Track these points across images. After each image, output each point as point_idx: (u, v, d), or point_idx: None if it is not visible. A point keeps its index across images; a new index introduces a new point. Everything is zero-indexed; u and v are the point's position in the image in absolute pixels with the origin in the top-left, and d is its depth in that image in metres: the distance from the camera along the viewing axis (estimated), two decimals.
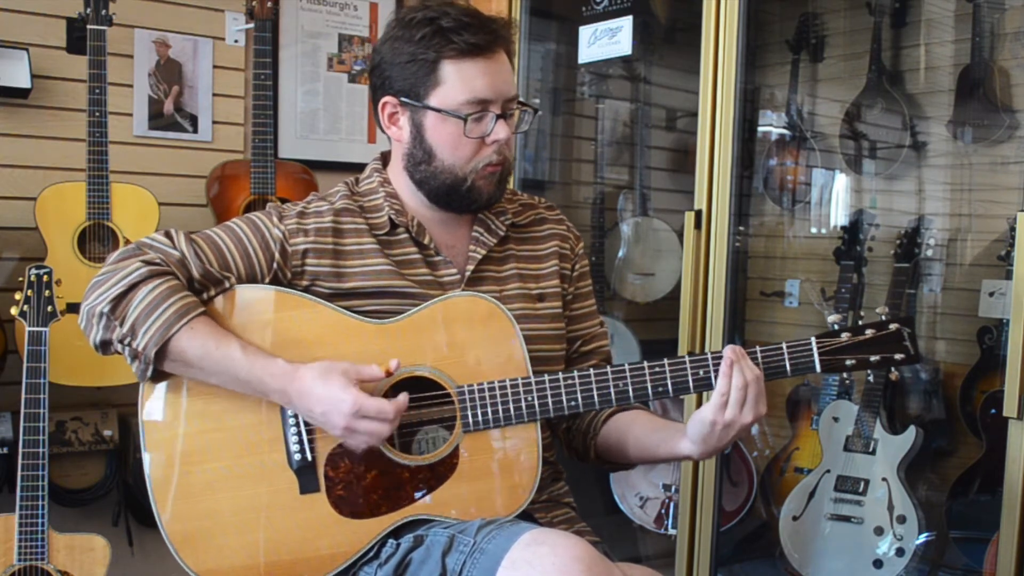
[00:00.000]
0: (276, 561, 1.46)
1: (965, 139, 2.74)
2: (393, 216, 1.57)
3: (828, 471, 2.56)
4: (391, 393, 1.48)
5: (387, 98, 1.56)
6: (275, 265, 1.52)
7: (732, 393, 1.41)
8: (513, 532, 1.32)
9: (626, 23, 2.79)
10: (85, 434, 2.79)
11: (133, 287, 1.42)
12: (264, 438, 1.47)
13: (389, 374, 1.44)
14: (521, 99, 1.57)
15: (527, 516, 1.51)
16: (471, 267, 1.59)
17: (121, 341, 1.43)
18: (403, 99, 1.54)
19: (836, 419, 2.58)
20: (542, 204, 1.72)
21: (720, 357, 1.45)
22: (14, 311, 2.27)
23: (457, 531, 1.39)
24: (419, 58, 1.49)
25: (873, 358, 1.47)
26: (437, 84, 1.50)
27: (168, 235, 1.50)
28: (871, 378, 2.51)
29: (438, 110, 1.50)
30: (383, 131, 1.60)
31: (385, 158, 1.66)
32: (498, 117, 1.51)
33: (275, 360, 1.43)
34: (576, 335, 1.70)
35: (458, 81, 1.49)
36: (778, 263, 3.22)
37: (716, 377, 1.45)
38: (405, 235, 1.57)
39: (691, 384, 1.46)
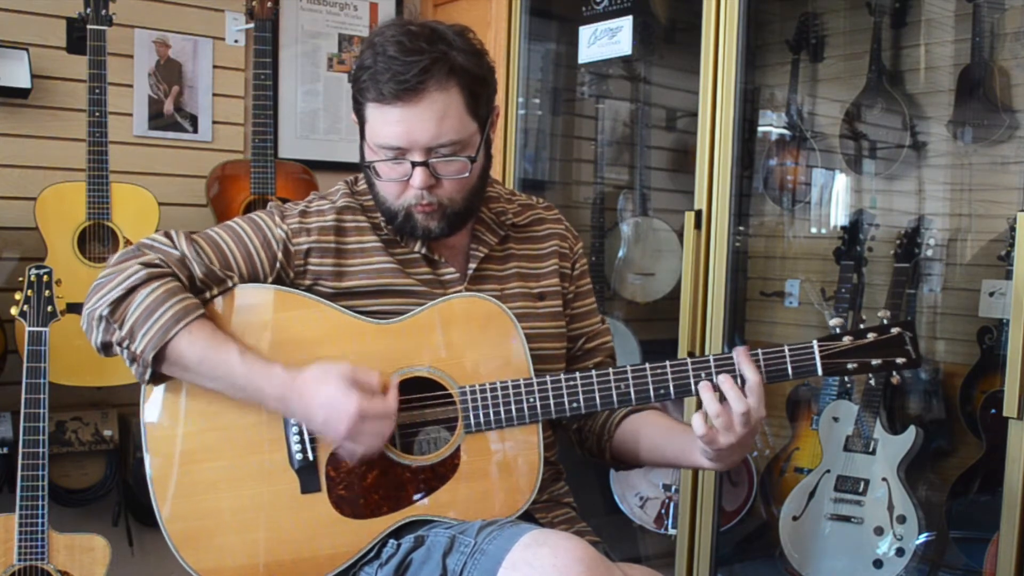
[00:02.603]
0: (277, 561, 1.46)
1: (965, 139, 2.74)
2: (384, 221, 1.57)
3: (828, 471, 2.56)
4: None
5: (353, 114, 1.56)
6: (277, 265, 1.52)
7: (734, 417, 1.42)
8: (514, 533, 1.32)
9: (626, 23, 2.79)
10: (85, 434, 2.79)
11: (132, 290, 1.42)
12: (265, 437, 1.47)
13: (385, 388, 1.42)
14: (452, 140, 1.45)
15: (527, 516, 1.51)
16: (473, 265, 1.59)
17: (120, 344, 1.43)
18: (357, 121, 1.54)
19: (836, 419, 2.59)
20: (540, 204, 1.72)
21: (722, 359, 1.46)
22: (14, 311, 2.27)
23: (458, 532, 1.39)
24: (356, 89, 1.48)
25: (875, 362, 1.47)
26: (365, 120, 1.48)
27: (168, 235, 1.50)
28: (871, 379, 2.51)
29: (364, 146, 1.51)
30: None
31: None
32: (418, 164, 1.45)
33: (273, 367, 1.43)
34: (579, 333, 1.70)
35: (374, 125, 1.46)
36: (778, 263, 3.22)
37: (718, 380, 1.45)
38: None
39: (693, 386, 1.46)
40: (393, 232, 1.56)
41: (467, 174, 1.49)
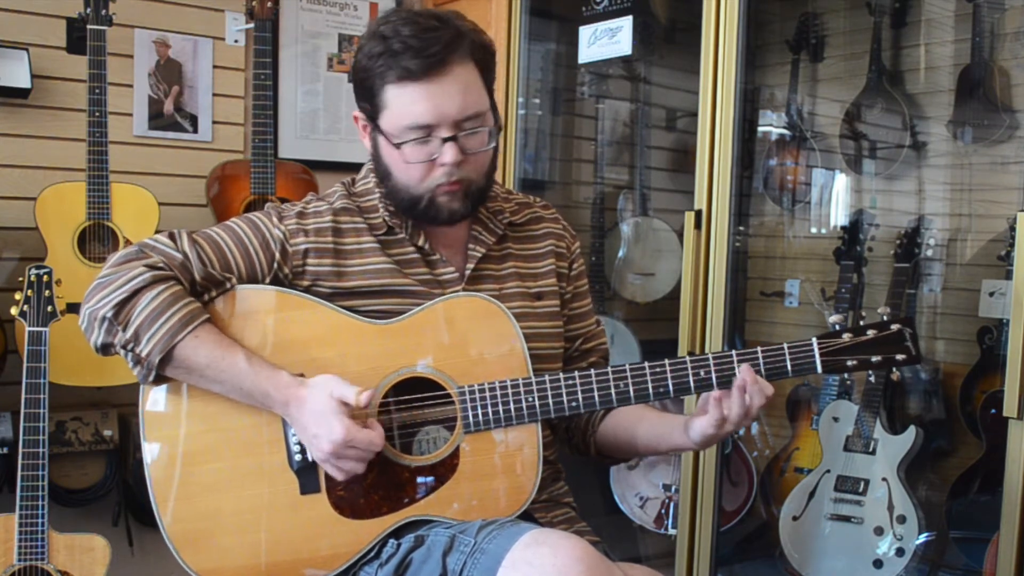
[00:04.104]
0: (276, 561, 1.46)
1: (965, 139, 2.74)
2: (387, 218, 1.57)
3: (828, 471, 2.56)
4: (392, 394, 1.48)
5: (356, 111, 1.56)
6: (275, 265, 1.52)
7: (732, 417, 1.44)
8: (514, 532, 1.32)
9: (626, 23, 2.79)
10: (85, 434, 2.79)
11: (137, 292, 1.42)
12: (264, 439, 1.47)
13: (363, 408, 1.41)
14: (490, 111, 1.50)
15: (527, 516, 1.51)
16: (471, 265, 1.59)
17: (124, 346, 1.43)
18: (365, 115, 1.53)
19: (836, 419, 2.59)
20: (538, 203, 1.72)
21: (721, 357, 1.46)
22: (14, 311, 2.27)
23: (458, 531, 1.40)
24: (370, 78, 1.48)
25: (874, 359, 1.47)
26: (383, 107, 1.48)
27: (172, 236, 1.50)
28: (871, 378, 2.51)
29: (385, 133, 1.49)
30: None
31: None
32: (448, 139, 1.46)
33: (280, 372, 1.44)
34: (577, 333, 1.70)
35: (399, 107, 1.46)
36: (778, 263, 3.22)
37: (716, 379, 1.46)
38: (403, 235, 1.57)
39: (692, 385, 1.47)
40: (411, 222, 1.56)
41: (492, 145, 1.51)
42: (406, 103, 1.45)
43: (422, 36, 1.43)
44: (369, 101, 1.50)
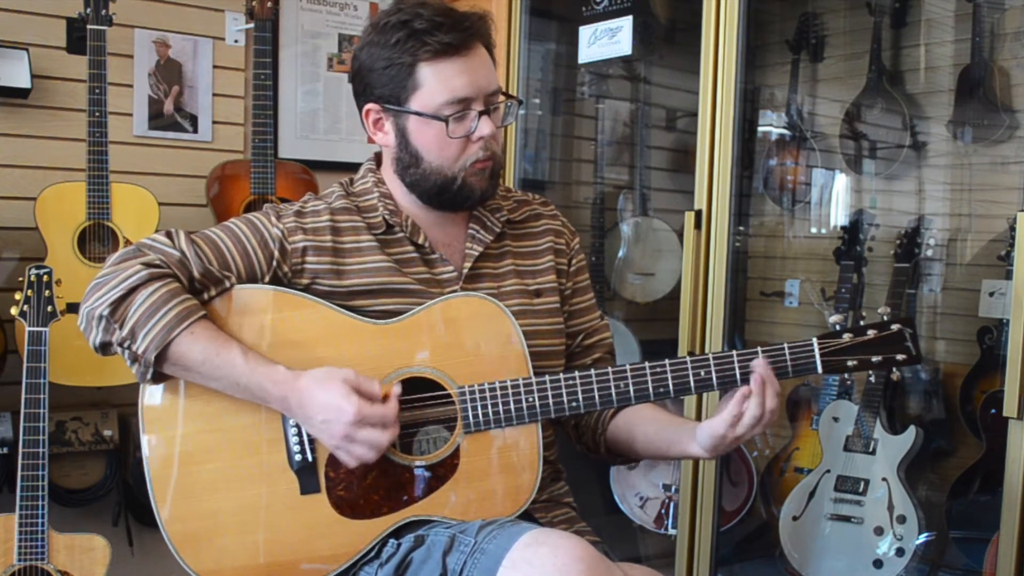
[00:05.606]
0: (276, 561, 1.46)
1: (965, 139, 2.74)
2: (387, 216, 1.57)
3: (828, 471, 2.56)
4: None
5: (370, 105, 1.56)
6: (274, 263, 1.52)
7: (745, 418, 1.42)
8: (514, 532, 1.32)
9: (626, 23, 2.79)
10: (85, 434, 2.79)
11: (133, 290, 1.42)
12: (264, 438, 1.47)
13: (387, 397, 1.42)
14: (504, 91, 1.57)
15: (527, 516, 1.51)
16: (468, 264, 1.59)
17: (121, 344, 1.43)
18: (385, 105, 1.54)
19: (836, 419, 2.59)
20: (537, 200, 1.73)
21: (722, 358, 1.46)
22: (14, 311, 2.27)
23: (458, 531, 1.40)
24: (396, 63, 1.49)
25: (875, 359, 1.47)
26: (416, 88, 1.50)
27: (169, 235, 1.50)
28: (871, 378, 2.51)
29: (419, 114, 1.51)
30: (370, 137, 1.61)
31: (378, 158, 1.67)
32: (481, 113, 1.51)
33: (276, 367, 1.43)
34: (578, 329, 1.70)
35: (436, 83, 1.49)
36: (778, 263, 3.22)
37: (717, 379, 1.46)
38: (402, 234, 1.58)
39: (692, 385, 1.47)
40: (439, 208, 1.58)
41: (513, 118, 1.59)
42: (446, 77, 1.48)
43: (449, 14, 1.48)
44: (396, 86, 1.51)
